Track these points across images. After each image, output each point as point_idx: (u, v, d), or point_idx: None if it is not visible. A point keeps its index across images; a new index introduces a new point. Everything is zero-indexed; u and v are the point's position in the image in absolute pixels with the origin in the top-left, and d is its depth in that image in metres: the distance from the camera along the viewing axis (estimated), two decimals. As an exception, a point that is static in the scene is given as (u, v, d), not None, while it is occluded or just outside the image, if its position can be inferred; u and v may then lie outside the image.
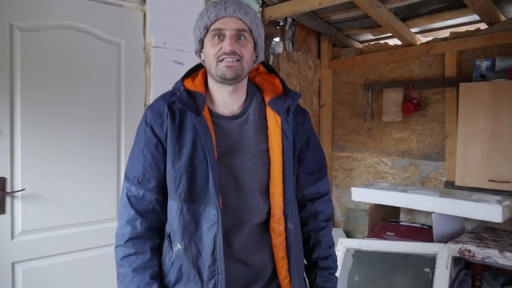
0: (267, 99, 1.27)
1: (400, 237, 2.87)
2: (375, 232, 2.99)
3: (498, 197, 2.71)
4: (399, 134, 3.79)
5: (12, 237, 2.05)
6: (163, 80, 2.54)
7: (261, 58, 1.28)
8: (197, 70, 1.30)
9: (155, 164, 1.21)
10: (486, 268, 2.57)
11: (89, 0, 2.28)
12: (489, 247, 2.44)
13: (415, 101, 3.58)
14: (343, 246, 2.71)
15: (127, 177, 1.24)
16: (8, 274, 2.03)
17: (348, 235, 3.97)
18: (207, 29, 1.18)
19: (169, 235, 1.23)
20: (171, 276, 1.22)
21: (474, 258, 2.47)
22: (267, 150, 1.24)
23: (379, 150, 3.89)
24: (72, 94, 2.23)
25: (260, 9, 3.19)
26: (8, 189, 2.02)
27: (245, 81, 1.25)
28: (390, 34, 3.69)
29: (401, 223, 3.13)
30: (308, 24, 3.74)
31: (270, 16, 3.31)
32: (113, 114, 2.39)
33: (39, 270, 2.13)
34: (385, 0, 3.19)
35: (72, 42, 2.23)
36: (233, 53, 1.15)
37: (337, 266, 1.39)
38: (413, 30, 3.63)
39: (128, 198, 1.22)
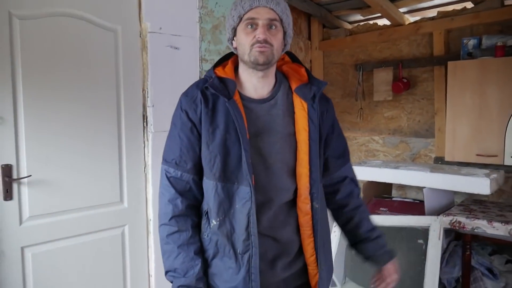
0: (293, 86, 1.35)
1: (393, 212, 2.98)
2: (369, 208, 3.09)
3: (486, 171, 2.84)
4: (389, 112, 3.89)
5: (21, 222, 2.09)
6: (160, 65, 2.57)
7: (289, 46, 1.35)
8: (227, 59, 1.39)
9: (191, 147, 1.30)
10: (475, 239, 2.70)
11: (84, -14, 2.29)
12: (478, 218, 2.57)
13: (405, 80, 3.67)
14: (339, 222, 2.81)
15: (165, 160, 1.34)
16: (18, 258, 2.08)
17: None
18: (240, 18, 1.26)
19: (207, 213, 1.31)
20: (209, 251, 1.32)
21: (464, 229, 2.60)
22: (294, 134, 1.32)
23: (371, 129, 3.98)
24: (72, 81, 2.25)
25: (252, -8, 3.21)
26: (15, 176, 2.06)
27: (274, 68, 1.33)
28: (379, 15, 3.76)
29: (393, 199, 3.25)
30: (298, 6, 3.78)
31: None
32: (113, 100, 2.42)
33: (47, 253, 2.18)
34: (374, -19, 3.25)
35: (70, 29, 2.24)
36: (265, 41, 1.23)
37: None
38: (402, 10, 3.69)
39: (168, 178, 1.31)
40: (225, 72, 1.32)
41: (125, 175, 2.47)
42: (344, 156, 1.47)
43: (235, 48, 1.33)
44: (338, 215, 1.51)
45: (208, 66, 2.88)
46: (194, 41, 2.77)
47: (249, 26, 1.25)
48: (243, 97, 1.31)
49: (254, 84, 1.32)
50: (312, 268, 1.35)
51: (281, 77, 1.39)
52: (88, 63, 2.31)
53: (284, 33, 1.30)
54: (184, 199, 1.30)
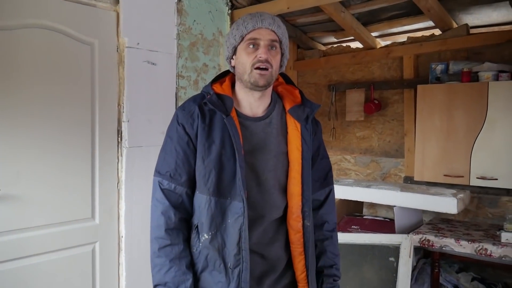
0: (287, 107, 1.40)
1: (364, 230, 3.03)
2: (341, 226, 3.14)
3: (453, 191, 2.94)
4: (361, 132, 3.99)
5: (-13, 238, 2.02)
6: (137, 80, 2.57)
7: (284, 68, 1.40)
8: (223, 76, 1.42)
9: (186, 160, 1.31)
10: (442, 257, 2.78)
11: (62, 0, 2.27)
12: (446, 237, 2.65)
13: (376, 101, 3.78)
14: (312, 239, 2.84)
15: (158, 172, 1.33)
16: (-18, 276, 2.00)
17: (314, 230, 4.12)
18: (242, 38, 1.30)
19: (197, 227, 1.32)
20: (198, 265, 1.32)
21: (433, 247, 2.67)
22: (286, 153, 1.36)
23: (343, 148, 4.07)
24: (45, 94, 2.21)
25: (230, 11, 3.27)
26: (-18, 190, 1.99)
27: (270, 88, 1.38)
28: (352, 38, 3.87)
29: (364, 217, 3.31)
30: (274, 26, 3.84)
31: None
32: (87, 114, 2.39)
33: (15, 271, 2.11)
34: (349, 6, 3.36)
35: (45, 42, 2.21)
36: (266, 61, 1.27)
37: (340, 274, 1.48)
38: (374, 34, 3.82)
39: (162, 190, 1.31)
40: (223, 89, 1.35)
41: (98, 191, 2.43)
42: (325, 179, 1.47)
43: (233, 67, 1.37)
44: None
45: (184, 82, 2.89)
46: (171, 57, 2.78)
47: (251, 46, 1.29)
48: (239, 114, 1.34)
49: (251, 102, 1.36)
50: (302, 285, 1.36)
51: (276, 97, 1.43)
52: (63, 76, 2.29)
53: (282, 54, 1.36)
54: (177, 212, 1.31)
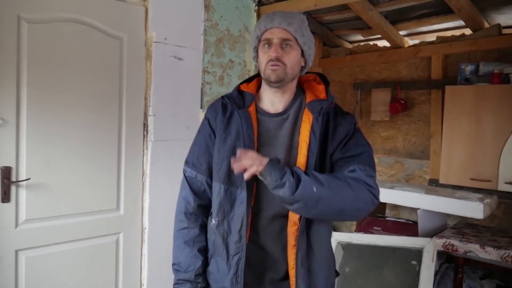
0: (307, 100, 1.39)
1: (386, 231, 3.00)
2: (363, 227, 3.12)
3: (479, 195, 2.87)
4: (386, 132, 3.93)
5: (16, 225, 2.08)
6: (163, 74, 2.60)
7: (310, 63, 1.40)
8: (255, 78, 1.49)
9: (207, 150, 1.42)
10: (466, 262, 2.72)
11: (94, -6, 2.31)
12: (471, 242, 2.60)
13: (402, 102, 3.72)
14: (334, 239, 2.83)
15: (186, 161, 1.47)
16: (11, 261, 2.07)
17: (335, 229, 4.10)
18: (259, 39, 1.37)
19: (211, 213, 1.41)
20: (209, 250, 1.42)
21: (457, 252, 2.62)
22: (298, 146, 1.34)
23: (366, 148, 4.02)
24: (76, 86, 2.26)
25: (256, 7, 3.26)
26: (14, 178, 2.05)
27: (291, 85, 1.38)
28: (379, 36, 3.82)
29: (387, 218, 3.27)
30: (301, 23, 3.83)
31: (265, 15, 3.38)
32: (115, 106, 2.43)
33: (41, 258, 2.17)
34: (377, 4, 3.31)
35: (76, 35, 2.26)
36: (277, 59, 1.31)
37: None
38: (402, 33, 3.76)
39: (186, 177, 1.45)
40: (248, 87, 1.44)
41: (123, 183, 2.48)
42: (349, 158, 1.31)
43: (258, 66, 1.41)
44: None
45: (210, 78, 2.91)
46: (197, 52, 2.80)
47: (266, 46, 1.35)
48: (259, 110, 1.40)
49: (271, 98, 1.40)
50: (292, 282, 1.33)
51: (301, 93, 1.43)
52: (93, 69, 2.33)
53: (302, 51, 1.36)
54: (197, 198, 1.43)
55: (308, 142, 1.31)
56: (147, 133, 2.55)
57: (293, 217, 1.33)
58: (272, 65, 1.30)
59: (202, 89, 2.84)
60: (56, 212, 2.21)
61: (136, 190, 2.54)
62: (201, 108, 2.82)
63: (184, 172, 1.45)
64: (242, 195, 1.31)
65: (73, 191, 2.27)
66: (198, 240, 1.41)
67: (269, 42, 1.33)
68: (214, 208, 1.38)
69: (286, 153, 1.35)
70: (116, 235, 2.46)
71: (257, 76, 1.48)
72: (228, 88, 2.95)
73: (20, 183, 2.07)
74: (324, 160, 1.34)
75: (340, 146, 1.34)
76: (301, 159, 1.31)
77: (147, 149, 2.55)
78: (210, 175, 1.41)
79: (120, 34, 2.45)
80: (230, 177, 1.34)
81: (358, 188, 1.24)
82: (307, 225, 1.33)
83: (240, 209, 1.31)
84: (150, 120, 2.54)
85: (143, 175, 2.56)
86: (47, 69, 2.16)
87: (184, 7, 2.70)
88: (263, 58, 1.34)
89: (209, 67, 2.90)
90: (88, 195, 2.33)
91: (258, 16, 3.30)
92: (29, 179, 2.08)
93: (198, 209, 1.43)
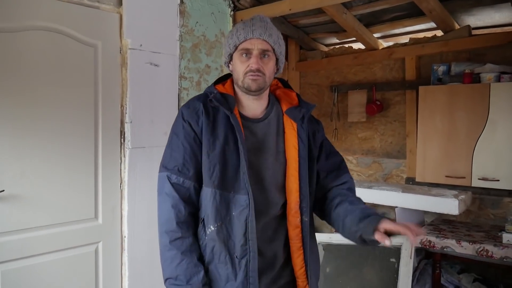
0: (284, 108, 1.46)
1: (366, 230, 3.04)
2: (343, 227, 3.15)
3: (454, 192, 2.95)
4: (363, 133, 3.99)
5: (-9, 238, 2.04)
6: (140, 81, 2.59)
7: (281, 70, 1.45)
8: (225, 79, 1.48)
9: (193, 155, 1.36)
10: (444, 258, 2.78)
11: (66, 2, 2.29)
12: (447, 238, 2.66)
13: (378, 103, 3.78)
14: (314, 240, 2.85)
15: (165, 167, 1.37)
16: (-13, 275, 2.03)
17: (316, 230, 4.13)
18: (236, 47, 1.36)
19: (203, 220, 1.36)
20: (204, 258, 1.36)
21: (434, 248, 2.68)
22: (284, 151, 1.42)
23: (345, 149, 4.07)
24: (49, 95, 2.24)
25: (232, 13, 3.28)
26: (-13, 191, 2.01)
27: (267, 92, 1.43)
28: (354, 39, 3.88)
29: (366, 218, 3.31)
30: (277, 27, 3.86)
31: (241, 20, 3.40)
32: (91, 115, 2.41)
33: (18, 271, 2.13)
34: (350, 7, 3.37)
35: (49, 44, 2.24)
36: (258, 70, 1.33)
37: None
38: (376, 35, 3.83)
39: (171, 184, 1.35)
40: (225, 88, 1.42)
41: (101, 191, 2.45)
42: (337, 170, 1.51)
43: (232, 71, 1.43)
44: (332, 203, 1.44)
45: (187, 83, 2.91)
46: (174, 58, 2.80)
47: (244, 55, 1.35)
48: (240, 115, 1.40)
49: (249, 104, 1.42)
50: (301, 281, 1.40)
51: (274, 99, 1.49)
52: (67, 77, 2.31)
53: (277, 59, 1.41)
54: (186, 205, 1.35)
55: (297, 147, 1.39)
56: (124, 140, 2.54)
57: (294, 221, 1.39)
58: (253, 75, 1.33)
59: (179, 95, 2.84)
60: (32, 223, 2.18)
61: (114, 198, 2.52)
62: (178, 114, 2.81)
63: (168, 178, 1.35)
64: (241, 199, 1.31)
65: (49, 201, 2.24)
66: (194, 249, 1.34)
67: (248, 52, 1.35)
68: (210, 214, 1.33)
69: (273, 159, 1.40)
70: (95, 245, 2.44)
71: (228, 76, 1.49)
72: (208, 86, 2.94)
73: (-6, 195, 2.03)
74: (311, 163, 1.44)
75: (322, 153, 1.50)
76: (292, 163, 1.39)
77: (124, 156, 2.53)
78: (196, 180, 1.37)
79: (95, 42, 2.43)
80: (223, 182, 1.33)
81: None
82: (306, 227, 1.39)
83: (243, 213, 1.31)
84: (127, 127, 2.53)
85: (121, 183, 2.54)
86: (19, 79, 2.13)
87: (159, 13, 2.70)
88: (241, 67, 1.35)
89: (185, 72, 2.90)
90: (65, 205, 2.30)
91: (234, 21, 3.32)
92: (3, 191, 2.04)
93: (189, 217, 1.36)
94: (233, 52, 1.39)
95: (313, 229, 1.49)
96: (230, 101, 1.37)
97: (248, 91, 1.36)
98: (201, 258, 1.35)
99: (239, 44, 1.36)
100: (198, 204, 1.39)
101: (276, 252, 1.40)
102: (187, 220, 1.35)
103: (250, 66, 1.33)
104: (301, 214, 1.39)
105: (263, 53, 1.35)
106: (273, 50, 1.37)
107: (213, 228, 1.33)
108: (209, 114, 1.37)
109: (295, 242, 1.40)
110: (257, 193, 1.35)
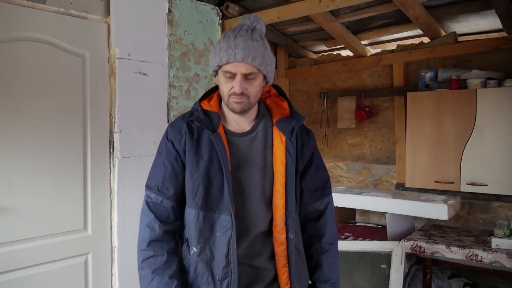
0: (274, 119, 1.40)
1: (357, 237, 3.05)
2: (334, 233, 3.16)
3: (444, 197, 2.97)
4: (353, 140, 4.01)
5: (-22, 251, 2.01)
6: (128, 91, 2.58)
7: (271, 82, 1.38)
8: (212, 92, 1.44)
9: (174, 175, 1.35)
10: (434, 263, 2.80)
11: (53, 12, 2.28)
12: (437, 243, 2.67)
13: (367, 109, 3.81)
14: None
15: (148, 186, 1.38)
16: (-27, 289, 2.00)
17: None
18: (220, 66, 1.29)
19: (187, 240, 1.35)
20: (187, 277, 1.34)
21: (424, 253, 2.69)
22: (272, 165, 1.37)
23: (335, 155, 4.09)
24: (37, 106, 2.22)
25: (220, 21, 3.29)
26: (-27, 203, 1.99)
27: (254, 107, 1.37)
28: (342, 46, 3.91)
29: (357, 224, 3.33)
30: (265, 35, 3.88)
31: (229, 28, 3.41)
32: (79, 125, 2.40)
33: (6, 284, 2.10)
34: (338, 15, 3.40)
35: (37, 54, 2.23)
36: (241, 94, 1.27)
37: None
38: (364, 42, 3.87)
39: (147, 204, 1.35)
40: (211, 105, 1.38)
41: (90, 202, 2.43)
42: (323, 189, 1.47)
43: (218, 83, 1.37)
44: (306, 249, 1.49)
45: (176, 92, 2.90)
46: (162, 67, 2.80)
47: (228, 76, 1.28)
48: (226, 131, 1.36)
49: (236, 119, 1.38)
50: None
51: (264, 109, 1.44)
52: (55, 88, 2.30)
53: (264, 76, 1.33)
54: (162, 224, 1.34)
55: (285, 162, 1.35)
56: (113, 150, 2.52)
57: (280, 238, 1.35)
58: (236, 99, 1.27)
59: (168, 104, 2.84)
60: (20, 235, 2.15)
61: (104, 209, 2.50)
62: (168, 122, 2.81)
63: (147, 198, 1.35)
64: (225, 220, 1.29)
65: (37, 213, 2.21)
66: (167, 267, 1.31)
67: (232, 75, 1.27)
68: (193, 236, 1.32)
69: (260, 173, 1.36)
70: (84, 256, 2.41)
71: (214, 90, 1.44)
72: (195, 102, 2.95)
73: (-19, 207, 2.01)
74: (297, 177, 1.40)
75: (308, 168, 1.45)
76: (279, 179, 1.35)
77: (114, 166, 2.52)
78: (176, 200, 1.35)
79: (82, 52, 2.42)
80: (207, 203, 1.31)
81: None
82: (292, 244, 1.35)
83: (226, 235, 1.28)
84: (116, 136, 2.51)
85: (110, 193, 2.53)
86: (7, 90, 2.11)
87: (147, 22, 2.70)
88: (225, 87, 1.29)
89: (174, 81, 2.90)
90: (54, 216, 2.28)
91: (223, 29, 3.33)
92: (-10, 203, 2.02)
93: (164, 235, 1.33)
94: (218, 70, 1.32)
95: (302, 247, 1.44)
96: (214, 119, 1.33)
97: (233, 112, 1.33)
98: (175, 275, 1.31)
99: (222, 65, 1.28)
100: (179, 222, 1.38)
101: (265, 265, 1.37)
102: (161, 239, 1.33)
103: (233, 89, 1.27)
104: (287, 231, 1.35)
105: (247, 76, 1.27)
106: (259, 70, 1.28)
107: (195, 250, 1.32)
108: (193, 133, 1.34)
109: (281, 259, 1.36)
110: (244, 210, 1.33)
